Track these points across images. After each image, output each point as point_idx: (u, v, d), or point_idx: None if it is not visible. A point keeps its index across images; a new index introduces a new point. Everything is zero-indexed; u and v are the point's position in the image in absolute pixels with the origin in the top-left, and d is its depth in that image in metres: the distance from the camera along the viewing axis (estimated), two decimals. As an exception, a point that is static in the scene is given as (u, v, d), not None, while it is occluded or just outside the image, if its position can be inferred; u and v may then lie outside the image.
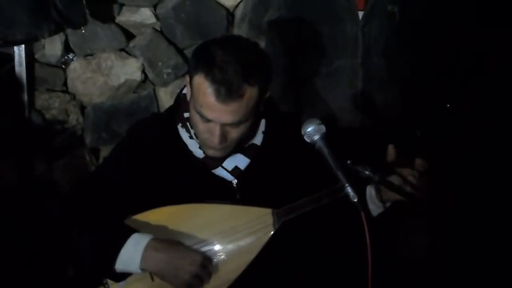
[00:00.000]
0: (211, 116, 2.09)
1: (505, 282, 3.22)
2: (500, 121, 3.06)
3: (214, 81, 2.05)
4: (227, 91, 2.04)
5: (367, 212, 2.28)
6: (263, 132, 2.29)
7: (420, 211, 3.03)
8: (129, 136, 2.35)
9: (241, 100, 2.07)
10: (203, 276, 2.15)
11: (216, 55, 2.08)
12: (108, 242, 2.13)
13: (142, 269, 2.12)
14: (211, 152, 2.20)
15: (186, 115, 2.24)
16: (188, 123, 2.25)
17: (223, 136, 2.13)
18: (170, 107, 2.38)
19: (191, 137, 2.25)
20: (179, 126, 2.28)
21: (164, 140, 2.27)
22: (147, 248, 2.11)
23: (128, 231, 2.15)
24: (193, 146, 2.25)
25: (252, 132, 2.25)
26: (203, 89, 2.07)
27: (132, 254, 2.11)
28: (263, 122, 2.30)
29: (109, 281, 2.22)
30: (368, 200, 2.33)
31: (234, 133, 2.15)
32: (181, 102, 2.29)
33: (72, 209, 2.21)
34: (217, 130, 2.11)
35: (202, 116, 2.11)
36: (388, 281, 2.29)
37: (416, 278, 3.23)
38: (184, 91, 2.27)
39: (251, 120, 2.16)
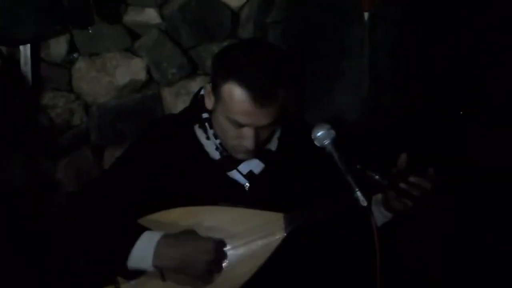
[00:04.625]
0: (247, 122, 2.10)
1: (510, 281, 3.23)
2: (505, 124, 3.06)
3: (248, 87, 2.05)
4: (263, 96, 2.05)
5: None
6: (278, 138, 2.30)
7: (426, 215, 3.03)
8: (143, 136, 2.34)
9: (276, 102, 2.08)
10: (219, 261, 2.16)
11: (242, 60, 2.09)
12: (121, 240, 2.14)
13: (155, 266, 2.13)
14: (242, 156, 2.21)
15: (204, 115, 2.25)
16: (206, 124, 2.25)
17: (257, 138, 2.14)
18: (186, 108, 2.37)
19: (208, 138, 2.25)
20: (196, 127, 2.27)
21: (180, 140, 2.26)
22: (159, 244, 2.12)
23: (141, 230, 2.15)
24: (210, 147, 2.25)
25: (271, 136, 2.26)
26: (237, 97, 2.07)
27: (144, 251, 2.12)
28: (278, 128, 2.31)
29: (120, 280, 2.22)
30: (374, 208, 2.33)
31: (265, 134, 2.17)
32: (198, 103, 2.28)
33: (84, 207, 2.22)
34: (251, 134, 2.12)
35: (237, 123, 2.11)
36: (393, 280, 2.29)
37: (420, 276, 3.24)
38: (202, 92, 2.27)
39: (281, 120, 2.17)
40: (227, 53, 2.16)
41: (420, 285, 3.24)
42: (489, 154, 2.72)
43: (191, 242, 2.16)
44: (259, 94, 2.05)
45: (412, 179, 2.19)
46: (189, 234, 2.19)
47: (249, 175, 2.26)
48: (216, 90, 2.14)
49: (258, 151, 2.23)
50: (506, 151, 3.00)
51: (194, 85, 3.56)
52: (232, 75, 2.08)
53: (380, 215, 2.33)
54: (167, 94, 3.67)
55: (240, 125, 2.11)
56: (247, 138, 2.13)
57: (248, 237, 2.20)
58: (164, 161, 2.24)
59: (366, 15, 3.04)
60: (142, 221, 2.21)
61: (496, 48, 3.17)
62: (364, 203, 2.04)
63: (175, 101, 3.64)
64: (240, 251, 2.20)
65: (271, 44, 2.22)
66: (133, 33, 3.61)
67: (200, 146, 2.26)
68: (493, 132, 2.77)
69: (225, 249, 2.19)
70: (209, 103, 2.20)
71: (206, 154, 2.26)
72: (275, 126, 2.17)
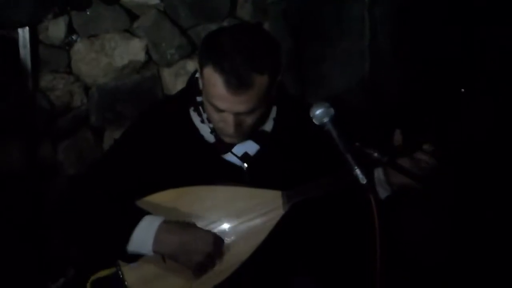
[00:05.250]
0: (223, 107, 2.10)
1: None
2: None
3: (223, 72, 2.05)
4: (237, 82, 2.04)
5: (376, 194, 2.28)
6: (274, 119, 2.30)
7: (426, 194, 3.03)
8: (141, 119, 2.35)
9: (252, 89, 2.07)
10: (215, 255, 2.17)
11: (224, 45, 2.08)
12: (121, 224, 2.16)
13: (155, 252, 2.14)
14: (228, 139, 2.21)
15: (198, 99, 2.24)
16: (200, 107, 2.25)
17: (238, 124, 2.13)
18: (182, 90, 2.37)
19: (202, 121, 2.26)
20: (191, 110, 2.28)
21: (175, 124, 2.27)
22: (159, 230, 2.13)
23: (140, 213, 2.16)
24: (204, 130, 2.26)
25: (264, 118, 2.26)
26: (213, 81, 2.07)
27: (144, 236, 2.13)
28: (274, 108, 2.30)
29: (121, 263, 2.24)
30: (376, 183, 2.34)
31: (249, 120, 2.16)
32: (193, 85, 2.28)
33: (84, 190, 2.23)
34: (231, 120, 2.12)
35: (214, 107, 2.12)
36: (393, 263, 2.30)
37: (420, 261, 3.24)
38: (197, 75, 2.26)
39: (264, 106, 2.16)
40: (212, 37, 2.15)
41: (418, 271, 3.26)
42: (486, 130, 2.71)
43: (192, 232, 2.17)
44: (233, 81, 2.04)
45: (415, 155, 2.21)
46: (190, 224, 2.20)
47: (245, 157, 2.26)
48: (201, 72, 2.15)
49: (251, 134, 2.23)
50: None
51: (193, 66, 3.55)
52: (210, 59, 2.08)
53: (382, 190, 2.35)
54: (167, 74, 3.67)
55: (219, 110, 2.12)
56: (228, 124, 2.13)
57: (247, 215, 2.21)
58: (161, 145, 2.25)
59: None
60: (141, 202, 2.22)
61: (496, 28, 3.16)
62: (363, 180, 2.03)
63: (175, 82, 3.63)
64: (240, 229, 2.21)
65: (258, 29, 2.20)
66: (132, 14, 3.60)
67: (195, 129, 2.26)
68: (491, 109, 2.76)
69: (224, 226, 2.20)
70: (201, 84, 2.20)
71: (201, 137, 2.26)
72: (258, 111, 2.15)
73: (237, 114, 2.12)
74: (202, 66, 2.13)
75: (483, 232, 3.27)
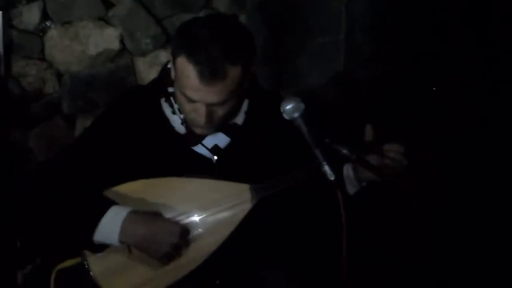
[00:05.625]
0: (195, 97, 2.10)
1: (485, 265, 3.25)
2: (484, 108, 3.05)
3: (196, 62, 2.05)
4: (210, 73, 2.05)
5: (344, 190, 2.30)
6: (245, 112, 2.30)
7: (395, 190, 3.05)
8: (110, 108, 2.35)
9: (225, 80, 2.07)
10: (181, 246, 2.17)
11: (198, 35, 2.07)
12: (87, 213, 2.15)
13: (121, 242, 2.14)
14: (199, 131, 2.21)
15: (170, 89, 2.24)
16: (171, 98, 2.24)
17: (209, 115, 2.13)
18: (154, 80, 2.36)
19: (173, 112, 2.25)
20: (162, 101, 2.27)
21: (146, 114, 2.26)
22: (125, 221, 2.13)
23: (107, 203, 2.16)
24: (175, 121, 2.25)
25: (235, 111, 2.26)
26: (187, 71, 2.07)
27: (111, 226, 2.13)
28: (246, 102, 2.30)
29: (87, 252, 2.23)
30: (345, 179, 2.35)
31: (221, 112, 2.16)
32: (165, 76, 2.27)
33: (52, 179, 2.22)
34: (203, 110, 2.12)
35: (186, 97, 2.11)
36: (362, 260, 2.31)
37: (392, 257, 3.26)
38: (169, 66, 2.26)
39: (236, 97, 2.17)
40: (186, 27, 2.15)
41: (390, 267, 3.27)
42: (462, 127, 2.72)
43: (159, 222, 2.17)
44: (206, 71, 2.05)
45: (378, 151, 2.22)
46: (157, 214, 2.20)
47: (215, 149, 2.26)
48: (174, 62, 2.14)
49: (222, 126, 2.23)
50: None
51: (167, 56, 3.53)
52: (184, 50, 2.08)
53: (351, 186, 2.37)
54: (141, 64, 3.65)
55: (192, 100, 2.12)
56: (200, 114, 2.13)
57: (215, 207, 2.21)
58: (130, 134, 2.24)
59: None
60: (108, 193, 2.22)
61: (471, 23, 3.17)
62: (331, 176, 2.04)
63: (148, 72, 3.61)
64: (208, 221, 2.21)
65: (232, 21, 2.21)
66: (107, 2, 3.57)
67: (166, 120, 2.26)
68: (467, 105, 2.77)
69: (192, 218, 2.20)
70: (172, 72, 2.20)
71: (171, 128, 2.26)
72: (230, 102, 2.16)
73: (209, 105, 2.11)
74: (175, 56, 2.13)
75: (457, 227, 3.29)
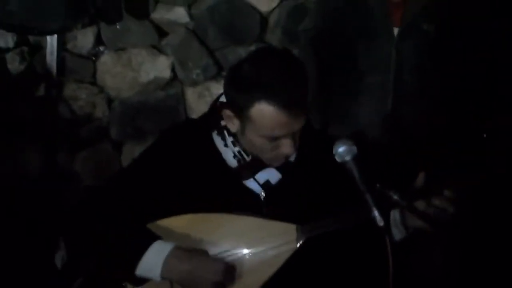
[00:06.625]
0: (283, 133, 2.11)
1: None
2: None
3: (281, 104, 2.05)
4: (297, 107, 2.07)
5: (391, 237, 2.26)
6: (297, 149, 2.29)
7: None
8: (161, 140, 2.34)
9: (307, 105, 2.12)
10: (225, 284, 2.14)
11: (266, 77, 2.07)
12: (131, 247, 2.14)
13: (163, 277, 2.13)
14: (277, 164, 2.23)
15: (223, 123, 2.23)
16: (225, 131, 2.23)
17: (295, 142, 2.16)
18: (205, 114, 2.35)
19: (226, 145, 2.24)
20: (214, 134, 2.26)
21: (197, 146, 2.25)
22: (169, 256, 2.11)
23: (151, 238, 2.15)
24: (227, 154, 2.24)
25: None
26: (271, 115, 2.06)
27: (153, 261, 2.11)
28: None
29: (128, 285, 2.22)
30: (392, 224, 2.32)
31: (298, 134, 2.18)
32: (217, 109, 2.26)
33: (99, 207, 2.22)
34: (289, 142, 2.13)
35: (272, 138, 2.12)
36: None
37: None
38: (221, 99, 2.25)
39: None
40: (243, 74, 2.12)
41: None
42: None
43: (203, 260, 2.15)
44: (294, 107, 2.06)
45: (433, 200, 2.18)
46: (201, 251, 2.18)
47: (265, 185, 2.25)
48: (241, 113, 2.12)
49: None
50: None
51: (218, 87, 3.55)
52: (259, 96, 2.06)
53: (397, 231, 2.33)
54: (190, 94, 3.67)
55: (277, 138, 2.12)
56: (286, 146, 2.14)
57: (260, 246, 2.19)
58: (180, 167, 2.23)
59: (395, 30, 3.02)
60: (153, 226, 2.20)
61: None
62: (381, 222, 2.01)
63: (198, 102, 3.63)
64: (252, 260, 2.19)
65: (279, 51, 2.24)
66: (161, 31, 3.61)
67: (218, 153, 2.25)
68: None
69: (236, 256, 2.18)
70: (232, 127, 2.19)
71: (223, 161, 2.25)
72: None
73: (294, 133, 2.14)
74: (245, 106, 2.10)
75: (496, 269, 3.24)
